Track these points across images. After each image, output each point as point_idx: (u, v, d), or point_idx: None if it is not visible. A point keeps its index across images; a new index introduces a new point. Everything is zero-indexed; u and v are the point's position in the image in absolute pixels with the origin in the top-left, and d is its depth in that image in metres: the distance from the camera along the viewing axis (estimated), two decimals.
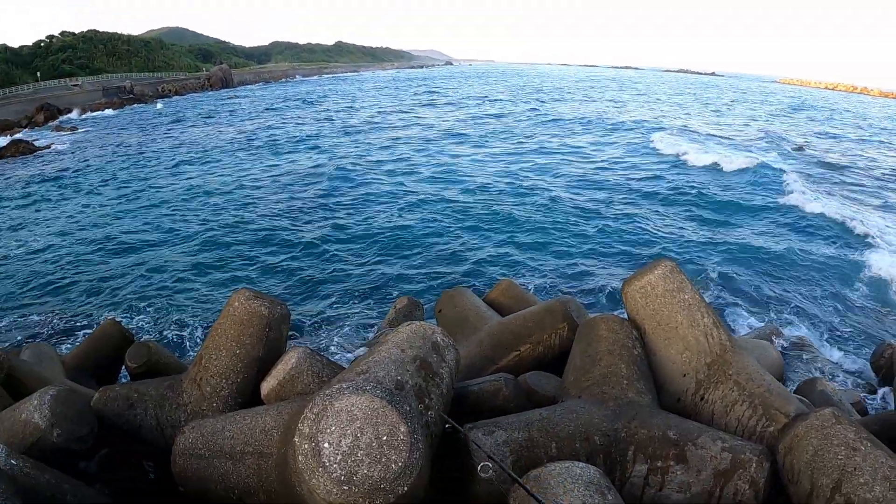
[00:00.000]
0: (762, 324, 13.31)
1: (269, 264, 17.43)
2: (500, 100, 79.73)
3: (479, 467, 2.79)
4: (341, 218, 21.90)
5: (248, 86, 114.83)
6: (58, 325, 13.78)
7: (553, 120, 54.11)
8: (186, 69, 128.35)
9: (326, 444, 2.47)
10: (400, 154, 35.66)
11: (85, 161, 35.78)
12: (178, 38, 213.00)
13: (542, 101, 76.49)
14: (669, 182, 27.61)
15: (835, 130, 58.44)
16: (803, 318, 14.10)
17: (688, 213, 23.02)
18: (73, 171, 32.62)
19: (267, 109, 65.95)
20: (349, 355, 11.19)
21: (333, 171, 29.99)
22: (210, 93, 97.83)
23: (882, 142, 50.91)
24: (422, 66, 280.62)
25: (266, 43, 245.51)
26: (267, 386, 4.06)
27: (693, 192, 25.80)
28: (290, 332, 5.13)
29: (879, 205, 25.92)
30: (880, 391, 10.35)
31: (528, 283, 15.44)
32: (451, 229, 20.40)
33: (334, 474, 2.40)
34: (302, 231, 20.41)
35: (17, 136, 46.38)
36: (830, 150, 42.50)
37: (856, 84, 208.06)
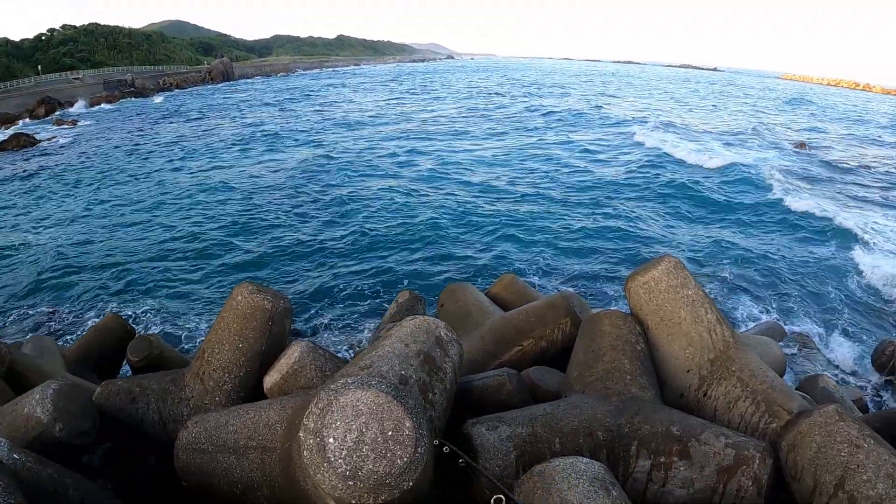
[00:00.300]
0: (764, 320, 13.33)
1: (271, 258, 17.42)
2: (498, 94, 79.78)
3: (491, 501, 2.78)
4: (343, 212, 21.88)
5: (249, 79, 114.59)
6: (59, 318, 13.79)
7: (548, 113, 54.08)
8: (187, 62, 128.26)
9: (331, 439, 2.47)
10: (400, 148, 35.60)
11: (86, 154, 35.75)
12: (180, 31, 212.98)
13: (539, 96, 76.36)
14: (666, 178, 27.49)
15: (831, 126, 58.40)
16: (804, 315, 14.12)
17: (684, 210, 22.99)
18: (73, 165, 32.59)
19: (267, 103, 65.82)
20: (351, 350, 11.21)
21: (334, 166, 30.02)
22: (211, 86, 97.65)
23: (878, 139, 50.84)
24: (423, 60, 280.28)
25: (267, 36, 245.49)
26: (270, 380, 4.05)
27: (690, 189, 25.73)
28: (292, 326, 5.12)
29: (877, 202, 25.89)
30: (881, 387, 10.39)
31: (530, 278, 15.44)
32: (452, 224, 20.37)
33: (339, 469, 2.39)
34: (303, 225, 20.40)
35: (19, 129, 46.35)
36: (829, 147, 42.40)
37: (858, 81, 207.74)
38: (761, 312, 14.01)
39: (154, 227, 20.58)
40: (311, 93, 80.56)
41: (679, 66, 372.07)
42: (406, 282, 15.49)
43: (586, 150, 35.48)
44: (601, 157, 33.61)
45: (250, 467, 3.18)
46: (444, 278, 15.61)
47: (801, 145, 41.16)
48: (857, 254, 18.18)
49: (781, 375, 5.50)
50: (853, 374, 11.25)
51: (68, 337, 12.49)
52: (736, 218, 22.06)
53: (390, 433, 2.52)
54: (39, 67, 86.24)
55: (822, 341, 12.62)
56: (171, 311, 14.17)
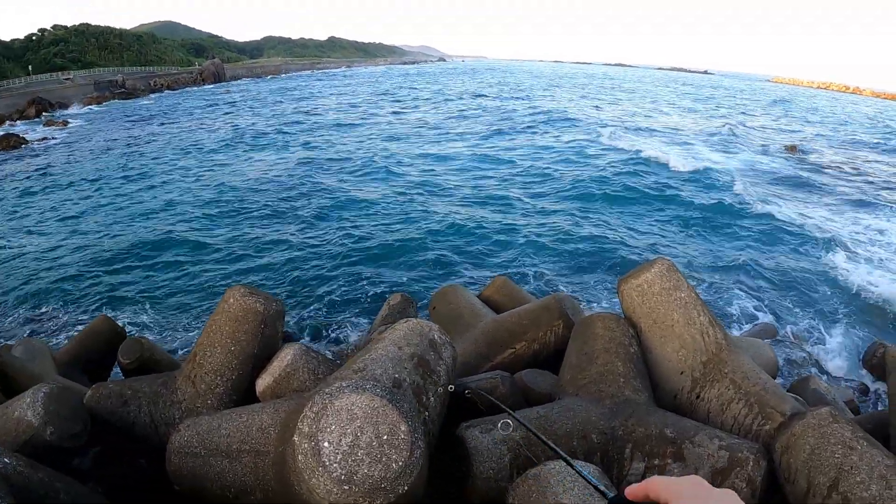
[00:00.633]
0: (756, 322, 13.40)
1: (263, 260, 17.36)
2: (484, 94, 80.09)
3: (499, 424, 2.78)
4: (333, 214, 21.83)
5: (240, 80, 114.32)
6: (50, 320, 13.70)
7: (530, 115, 54.22)
8: (179, 63, 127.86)
9: (326, 444, 2.46)
10: (388, 149, 35.58)
11: (76, 155, 35.55)
12: (171, 32, 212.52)
13: (523, 98, 76.52)
14: (644, 181, 27.50)
15: (809, 129, 59.01)
16: (795, 318, 14.18)
17: (662, 211, 22.97)
18: (64, 166, 32.40)
19: (258, 104, 65.67)
20: (344, 353, 11.17)
21: (323, 168, 29.93)
22: (202, 87, 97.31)
23: (856, 140, 51.26)
24: (414, 62, 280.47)
25: (259, 37, 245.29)
26: (262, 383, 4.03)
27: (665, 190, 25.78)
28: (284, 329, 5.10)
29: (859, 205, 26.06)
30: (872, 388, 10.44)
31: (522, 281, 15.45)
32: (443, 227, 20.32)
33: (334, 474, 2.38)
34: (294, 227, 20.35)
35: (9, 129, 46.09)
36: (816, 151, 42.60)
37: (848, 84, 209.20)
38: (752, 315, 14.06)
39: (145, 228, 20.47)
40: (302, 94, 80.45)
41: (670, 69, 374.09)
42: (397, 284, 15.47)
43: (568, 153, 35.31)
44: (583, 159, 33.40)
45: (243, 471, 3.16)
46: (435, 280, 15.61)
47: (792, 148, 41.29)
48: (840, 258, 18.33)
49: (774, 377, 5.51)
50: (844, 375, 11.31)
51: (59, 339, 12.41)
52: (715, 221, 22.01)
53: (385, 437, 2.51)
54: (30, 68, 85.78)
55: (812, 343, 12.69)
56: (162, 313, 14.10)
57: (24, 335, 12.43)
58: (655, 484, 1.06)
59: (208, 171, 30.05)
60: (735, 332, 12.23)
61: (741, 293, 15.25)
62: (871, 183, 31.29)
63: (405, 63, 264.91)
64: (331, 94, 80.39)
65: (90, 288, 15.56)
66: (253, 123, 48.30)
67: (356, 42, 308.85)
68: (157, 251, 18.09)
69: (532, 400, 4.80)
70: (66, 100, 66.26)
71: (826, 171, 34.42)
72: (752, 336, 10.59)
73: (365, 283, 15.73)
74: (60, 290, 15.42)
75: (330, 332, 13.00)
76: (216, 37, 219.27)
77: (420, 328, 3.94)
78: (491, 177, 28.46)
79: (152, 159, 33.78)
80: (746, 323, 13.56)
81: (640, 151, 34.91)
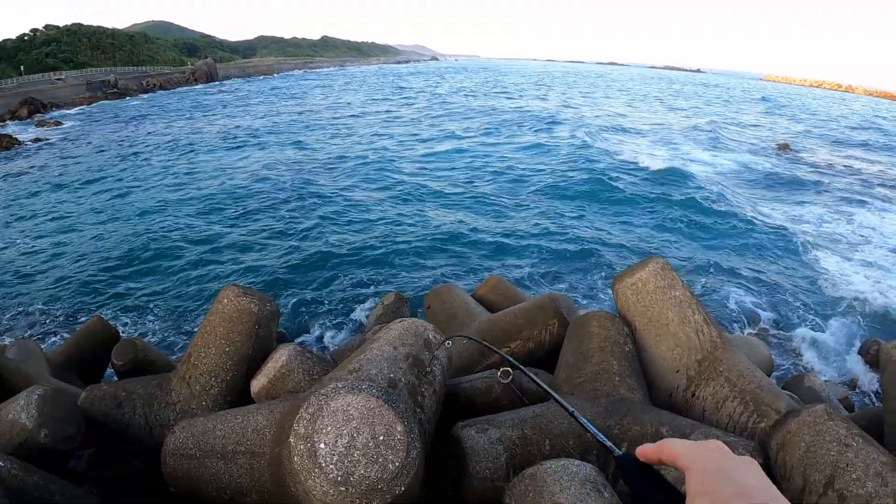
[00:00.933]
0: (750, 320, 13.45)
1: (256, 260, 17.32)
2: (474, 93, 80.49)
3: (499, 372, 2.78)
4: (325, 214, 21.79)
5: (233, 80, 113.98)
6: (43, 321, 13.64)
7: (517, 115, 54.39)
8: (171, 63, 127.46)
9: (322, 445, 2.45)
10: (380, 149, 35.59)
11: (69, 156, 35.37)
12: (163, 32, 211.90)
13: (511, 97, 76.79)
14: (642, 181, 27.61)
15: (796, 126, 59.56)
16: (788, 316, 14.22)
17: (661, 213, 22.97)
18: (56, 167, 32.24)
19: (250, 104, 65.53)
20: (338, 353, 11.16)
21: (316, 168, 29.88)
22: (195, 87, 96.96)
23: (847, 139, 51.57)
24: (408, 62, 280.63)
25: (252, 37, 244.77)
26: (257, 384, 4.02)
27: (630, 188, 25.89)
28: (278, 329, 5.09)
29: (857, 204, 26.17)
30: (867, 385, 10.51)
31: (515, 280, 15.45)
32: (435, 226, 20.33)
33: (331, 475, 2.38)
34: (286, 227, 20.30)
35: (0, 130, 45.85)
36: (808, 149, 42.76)
37: (840, 82, 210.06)
38: (745, 313, 14.09)
39: (138, 229, 20.37)
40: (293, 94, 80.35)
41: (663, 68, 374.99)
42: (391, 283, 15.46)
43: (554, 151, 35.32)
44: (571, 159, 33.32)
45: (239, 473, 3.15)
46: (429, 279, 15.61)
47: (784, 147, 41.38)
48: (832, 256, 18.43)
49: (769, 375, 5.53)
50: (838, 372, 11.36)
51: (53, 340, 12.37)
52: (705, 220, 21.99)
53: (382, 438, 2.50)
54: (22, 68, 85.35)
55: (806, 340, 12.72)
56: (156, 314, 14.05)
57: (18, 336, 12.38)
58: (670, 447, 0.96)
59: (201, 171, 29.96)
60: (736, 331, 12.28)
61: (734, 291, 15.28)
62: (863, 181, 31.46)
63: (399, 62, 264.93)
64: (322, 94, 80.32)
65: (83, 289, 15.50)
66: (245, 123, 48.17)
67: (349, 41, 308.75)
68: (150, 252, 18.02)
69: (527, 399, 4.79)
70: (59, 100, 65.89)
71: (818, 169, 34.59)
72: (745, 334, 10.63)
73: (359, 282, 15.72)
74: (53, 291, 15.36)
75: (324, 332, 13.00)
76: (209, 36, 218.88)
77: (415, 328, 3.93)
78: (480, 176, 28.44)
79: (145, 160, 33.64)
80: (740, 321, 13.60)
81: (626, 152, 35.08)
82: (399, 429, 2.55)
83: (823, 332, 13.37)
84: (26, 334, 12.80)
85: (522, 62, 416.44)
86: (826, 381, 9.68)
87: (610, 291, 6.02)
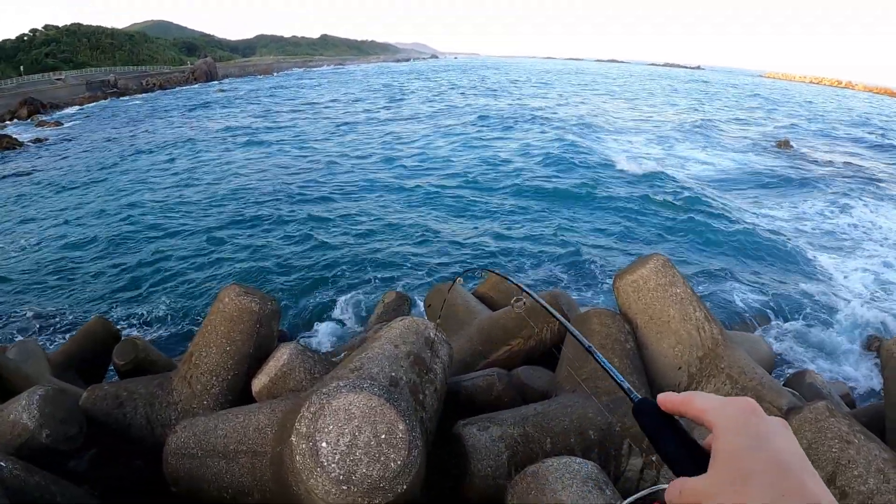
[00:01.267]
0: (752, 317, 13.44)
1: (257, 259, 17.32)
2: (470, 93, 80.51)
3: (512, 301, 2.75)
4: (327, 213, 21.79)
5: (233, 79, 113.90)
6: (44, 322, 13.64)
7: (516, 113, 54.43)
8: (171, 63, 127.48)
9: (324, 444, 2.44)
10: (381, 147, 35.65)
11: (70, 156, 35.37)
12: (163, 31, 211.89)
13: (508, 97, 76.84)
14: (637, 180, 27.61)
15: (786, 120, 59.77)
16: (790, 312, 14.20)
17: (658, 212, 22.95)
18: (57, 167, 32.25)
19: (250, 103, 65.51)
20: (339, 351, 11.16)
21: (315, 166, 29.95)
22: (194, 86, 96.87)
23: (849, 136, 51.57)
24: (407, 60, 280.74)
25: (251, 36, 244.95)
26: (258, 383, 4.01)
27: (620, 187, 25.96)
28: (279, 328, 5.08)
29: (857, 200, 26.14)
30: (868, 381, 10.49)
31: (517, 278, 15.41)
32: (437, 224, 20.35)
33: (333, 474, 2.37)
34: (288, 226, 20.30)
35: (0, 131, 45.84)
36: (807, 146, 42.74)
37: (840, 79, 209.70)
38: (746, 310, 14.08)
39: (140, 229, 20.37)
40: (292, 93, 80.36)
41: (662, 65, 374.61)
42: (392, 281, 15.47)
43: (548, 150, 35.25)
44: (564, 159, 33.33)
45: (240, 472, 3.14)
46: (430, 278, 15.61)
47: (784, 144, 41.28)
48: (831, 253, 18.43)
49: (770, 372, 5.52)
50: (839, 369, 11.35)
51: (54, 340, 12.37)
52: (703, 219, 21.94)
53: (384, 436, 2.50)
54: (21, 68, 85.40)
55: (807, 337, 12.71)
56: (157, 313, 14.05)
57: (19, 337, 12.38)
58: (696, 402, 0.87)
59: (201, 171, 29.95)
60: (737, 328, 12.27)
61: (734, 288, 15.27)
62: (864, 177, 31.39)
63: (398, 60, 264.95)
64: (320, 93, 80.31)
65: (84, 289, 15.51)
66: (244, 122, 48.17)
67: (349, 40, 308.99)
68: (151, 252, 18.03)
69: (529, 397, 4.78)
70: (58, 100, 65.87)
71: (818, 165, 34.54)
72: (747, 331, 10.62)
73: (360, 281, 15.73)
74: (54, 292, 15.37)
75: (325, 330, 13.00)
76: (208, 36, 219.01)
77: (416, 326, 3.92)
78: (481, 176, 28.41)
79: (145, 159, 33.64)
80: (741, 317, 13.59)
81: (625, 151, 35.10)
82: (401, 427, 2.54)
83: (825, 328, 13.36)
84: (27, 334, 12.81)
85: (522, 60, 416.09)
86: (827, 377, 9.67)
87: (610, 290, 6.01)
